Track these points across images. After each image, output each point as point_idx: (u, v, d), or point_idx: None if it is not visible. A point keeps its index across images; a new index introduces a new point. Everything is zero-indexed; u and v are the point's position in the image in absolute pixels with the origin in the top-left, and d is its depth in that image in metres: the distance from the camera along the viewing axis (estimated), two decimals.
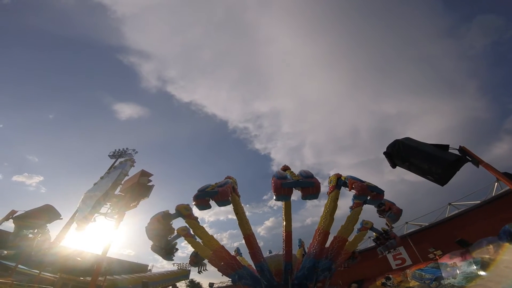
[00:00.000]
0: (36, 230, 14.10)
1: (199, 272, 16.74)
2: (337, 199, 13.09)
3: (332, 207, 12.64)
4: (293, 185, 10.66)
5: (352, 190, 11.84)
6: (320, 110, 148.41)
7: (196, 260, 16.18)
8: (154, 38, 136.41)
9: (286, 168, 13.52)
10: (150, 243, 12.58)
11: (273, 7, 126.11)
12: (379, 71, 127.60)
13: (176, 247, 14.36)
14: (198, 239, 13.20)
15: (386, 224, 14.68)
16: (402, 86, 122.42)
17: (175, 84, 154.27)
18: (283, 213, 13.12)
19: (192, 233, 13.35)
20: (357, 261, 18.03)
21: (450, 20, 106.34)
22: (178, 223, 13.71)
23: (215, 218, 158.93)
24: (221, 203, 11.06)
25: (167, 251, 13.68)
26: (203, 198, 11.05)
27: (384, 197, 13.67)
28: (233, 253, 19.72)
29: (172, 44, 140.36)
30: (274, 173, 11.55)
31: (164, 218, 12.47)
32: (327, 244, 12.57)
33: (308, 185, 10.48)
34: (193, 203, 11.47)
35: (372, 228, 15.50)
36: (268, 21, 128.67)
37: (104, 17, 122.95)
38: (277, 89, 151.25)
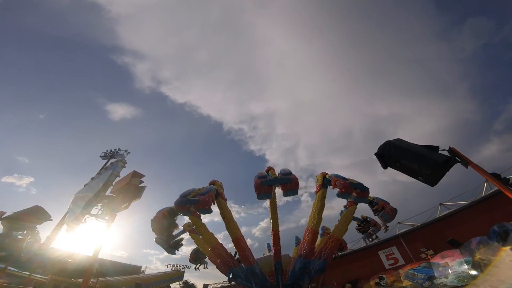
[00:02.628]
0: (25, 232, 13.85)
1: (196, 269, 17.20)
2: (324, 197, 13.20)
3: (319, 206, 12.75)
4: (271, 182, 10.89)
5: (335, 188, 11.88)
6: (314, 112, 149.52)
7: (195, 258, 16.54)
8: (149, 38, 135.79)
9: (269, 169, 13.59)
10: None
11: (269, 9, 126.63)
12: (372, 73, 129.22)
13: (182, 242, 14.69)
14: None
15: (380, 222, 14.78)
16: (394, 88, 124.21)
17: (170, 85, 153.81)
18: (270, 213, 13.18)
19: None
20: (344, 251, 18.26)
21: (442, 22, 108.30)
22: (183, 220, 13.94)
23: (209, 219, 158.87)
24: (202, 212, 11.16)
25: (173, 246, 14.16)
26: (184, 205, 11.17)
27: (377, 198, 13.77)
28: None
29: (167, 44, 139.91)
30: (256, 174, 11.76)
31: (170, 213, 13.00)
32: (322, 245, 12.63)
33: (285, 181, 10.70)
34: (175, 209, 11.58)
35: (353, 218, 15.60)
36: (264, 23, 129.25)
37: (98, 16, 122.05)
38: (272, 91, 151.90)
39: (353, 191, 11.37)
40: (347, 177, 12.09)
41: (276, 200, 13.85)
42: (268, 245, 22.85)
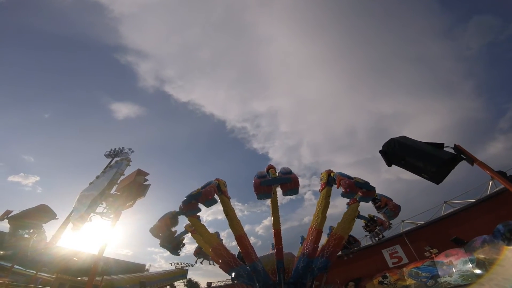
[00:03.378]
0: (31, 230, 13.96)
1: (197, 262, 17.85)
2: (329, 196, 12.90)
3: (324, 205, 12.48)
4: (271, 182, 10.65)
5: (340, 187, 11.52)
6: (317, 110, 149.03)
7: (200, 251, 16.94)
8: (152, 37, 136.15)
9: (269, 168, 13.30)
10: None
11: (271, 7, 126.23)
12: (376, 71, 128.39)
13: (184, 242, 14.84)
14: None
15: (383, 219, 14.66)
16: (399, 86, 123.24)
17: (173, 84, 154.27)
18: (271, 212, 13.09)
19: None
20: (358, 245, 18.18)
21: (447, 20, 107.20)
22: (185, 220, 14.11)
23: (213, 217, 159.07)
24: (207, 203, 11.11)
25: (175, 247, 14.21)
26: (190, 202, 11.18)
27: (380, 194, 13.63)
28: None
29: (170, 43, 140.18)
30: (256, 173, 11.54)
31: (172, 220, 12.93)
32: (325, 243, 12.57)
33: (285, 181, 10.44)
34: (182, 209, 11.64)
35: (359, 216, 15.40)
36: (266, 21, 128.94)
37: (101, 16, 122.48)
38: (275, 89, 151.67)
39: (358, 190, 10.97)
40: (352, 176, 11.86)
41: (278, 198, 13.79)
42: (273, 245, 22.99)
